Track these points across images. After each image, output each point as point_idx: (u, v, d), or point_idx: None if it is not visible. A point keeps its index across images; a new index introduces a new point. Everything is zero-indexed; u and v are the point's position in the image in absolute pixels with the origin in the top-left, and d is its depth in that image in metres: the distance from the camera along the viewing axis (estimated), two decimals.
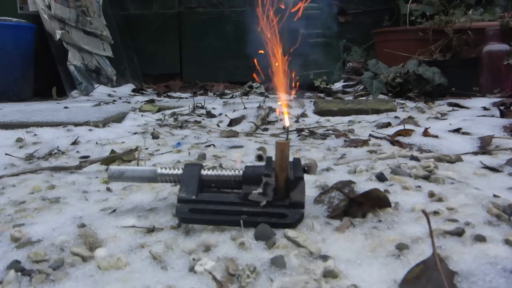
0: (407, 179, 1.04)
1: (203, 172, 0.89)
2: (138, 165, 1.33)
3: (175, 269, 0.67)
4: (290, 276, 0.63)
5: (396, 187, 0.98)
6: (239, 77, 4.23)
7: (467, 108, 2.38)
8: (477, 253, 0.66)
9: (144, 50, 4.49)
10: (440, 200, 0.89)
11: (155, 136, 1.83)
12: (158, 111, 2.57)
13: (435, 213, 0.83)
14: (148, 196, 1.04)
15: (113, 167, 0.94)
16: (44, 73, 3.57)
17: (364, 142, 1.55)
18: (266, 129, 2.01)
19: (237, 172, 0.89)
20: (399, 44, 3.45)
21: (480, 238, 0.71)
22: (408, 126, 1.71)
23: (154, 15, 4.50)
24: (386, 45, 3.52)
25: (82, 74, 3.60)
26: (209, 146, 1.60)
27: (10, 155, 1.47)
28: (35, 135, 1.84)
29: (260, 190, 0.83)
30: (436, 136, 1.55)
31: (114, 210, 0.93)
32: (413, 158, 1.23)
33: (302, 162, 0.91)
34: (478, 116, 2.01)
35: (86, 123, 1.99)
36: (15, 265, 0.68)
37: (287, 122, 0.94)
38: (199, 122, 2.20)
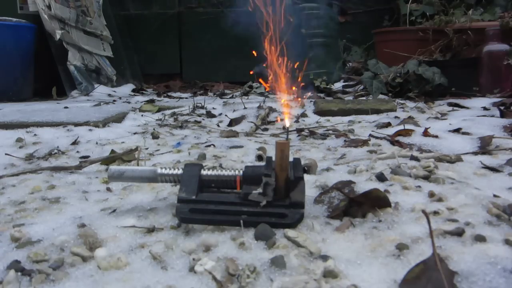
0: (407, 179, 1.04)
1: (203, 172, 0.89)
2: (138, 165, 1.33)
3: (175, 269, 0.67)
4: (290, 276, 0.63)
5: (396, 187, 0.98)
6: (239, 77, 4.23)
7: (467, 108, 2.37)
8: (477, 253, 0.66)
9: (144, 50, 4.49)
10: (440, 200, 0.89)
11: (155, 136, 1.83)
12: (158, 111, 2.57)
13: (435, 213, 0.83)
14: (148, 196, 1.04)
15: (113, 167, 0.94)
16: (44, 73, 3.57)
17: (364, 142, 1.55)
18: (266, 129, 2.01)
19: (237, 172, 0.89)
20: (399, 44, 3.45)
21: (480, 238, 0.71)
22: (408, 126, 1.71)
23: (154, 15, 4.51)
24: (386, 45, 3.52)
25: (82, 74, 3.60)
26: (209, 146, 1.61)
27: (10, 155, 1.47)
28: (35, 135, 1.84)
29: (260, 190, 0.83)
30: (436, 136, 1.54)
31: (114, 210, 0.93)
32: (413, 158, 1.23)
33: (302, 162, 0.91)
34: (478, 116, 2.01)
35: (86, 123, 1.99)
36: (15, 265, 0.68)
37: (287, 122, 0.94)
38: (199, 122, 2.20)
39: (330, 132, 1.86)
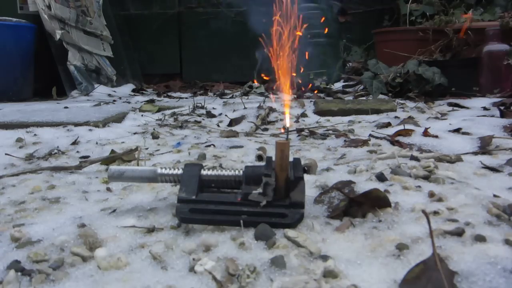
0: (407, 179, 1.04)
1: (203, 172, 0.89)
2: (138, 165, 1.33)
3: (175, 269, 0.67)
4: (290, 276, 0.63)
5: (396, 187, 0.98)
6: (239, 77, 4.23)
7: (467, 108, 2.37)
8: (477, 253, 0.66)
9: (144, 50, 4.49)
10: (440, 200, 0.89)
11: (155, 136, 1.83)
12: (158, 111, 2.57)
13: (435, 213, 0.83)
14: (148, 196, 1.04)
15: (113, 167, 0.94)
16: (44, 73, 3.57)
17: (364, 142, 1.55)
18: (266, 129, 2.01)
19: (237, 172, 0.89)
20: (399, 44, 3.45)
21: (480, 238, 0.71)
22: (408, 126, 1.71)
23: (154, 15, 4.51)
24: (386, 45, 3.52)
25: (82, 74, 3.60)
26: (209, 146, 1.61)
27: (10, 155, 1.47)
28: (35, 135, 1.84)
29: (260, 190, 0.83)
30: (436, 136, 1.54)
31: (114, 210, 0.93)
32: (413, 158, 1.23)
33: (302, 162, 0.91)
34: (478, 116, 2.01)
35: (86, 123, 1.99)
36: (15, 265, 0.68)
37: (287, 122, 0.94)
38: (199, 122, 2.20)
39: (330, 132, 1.86)
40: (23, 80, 3.42)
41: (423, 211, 0.68)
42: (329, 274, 0.63)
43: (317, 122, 2.13)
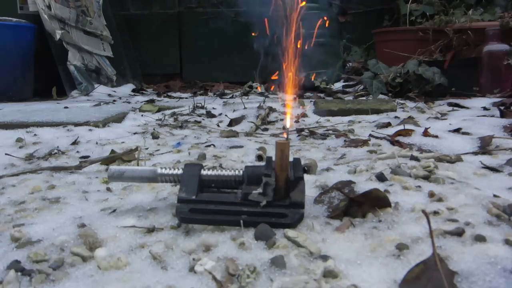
0: (407, 179, 1.04)
1: (203, 172, 0.89)
2: (138, 165, 1.33)
3: (175, 269, 0.67)
4: (290, 276, 0.63)
5: (396, 187, 0.98)
6: (239, 77, 4.23)
7: (467, 108, 2.37)
8: (477, 253, 0.66)
9: (144, 50, 4.49)
10: (440, 200, 0.89)
11: (155, 136, 1.83)
12: (158, 111, 2.57)
13: (435, 213, 0.83)
14: (148, 196, 1.04)
15: (113, 167, 0.94)
16: (44, 73, 3.57)
17: (364, 142, 1.55)
18: (266, 129, 2.01)
19: (237, 172, 0.89)
20: (399, 44, 3.45)
21: (480, 238, 0.71)
22: (408, 126, 1.71)
23: (154, 15, 4.50)
24: (386, 45, 3.52)
25: (82, 74, 3.60)
26: (209, 146, 1.61)
27: (10, 155, 1.47)
28: (35, 135, 1.84)
29: (260, 190, 0.83)
30: (436, 136, 1.55)
31: (114, 210, 0.93)
32: (413, 158, 1.23)
33: (302, 162, 0.91)
34: (478, 116, 2.01)
35: (86, 123, 1.99)
36: (15, 265, 0.68)
37: (287, 122, 0.94)
38: (199, 122, 2.20)
39: (330, 132, 1.86)
40: (23, 80, 3.42)
41: (423, 211, 0.68)
42: (329, 274, 0.63)
43: (317, 122, 2.13)
